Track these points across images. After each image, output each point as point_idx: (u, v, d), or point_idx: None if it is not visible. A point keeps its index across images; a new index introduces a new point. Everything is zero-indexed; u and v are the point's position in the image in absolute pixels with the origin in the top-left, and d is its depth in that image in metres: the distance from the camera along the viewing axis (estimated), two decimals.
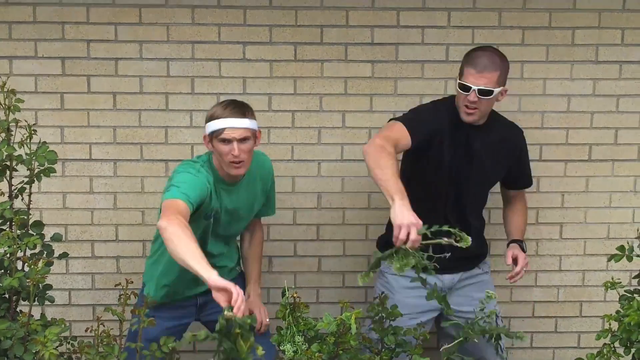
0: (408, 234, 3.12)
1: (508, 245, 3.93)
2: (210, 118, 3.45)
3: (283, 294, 3.50)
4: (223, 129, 3.39)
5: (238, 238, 3.90)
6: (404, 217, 3.19)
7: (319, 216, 4.38)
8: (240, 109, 3.45)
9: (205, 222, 3.52)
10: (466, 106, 3.60)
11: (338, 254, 4.43)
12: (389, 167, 3.35)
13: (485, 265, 3.99)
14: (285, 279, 4.28)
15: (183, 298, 3.70)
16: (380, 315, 3.46)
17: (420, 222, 3.20)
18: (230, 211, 3.59)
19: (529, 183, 4.05)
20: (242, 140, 3.40)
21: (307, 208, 4.37)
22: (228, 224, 3.63)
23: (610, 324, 3.30)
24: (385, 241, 3.79)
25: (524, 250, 3.87)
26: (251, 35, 4.20)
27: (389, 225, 3.79)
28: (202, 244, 3.39)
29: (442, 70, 4.27)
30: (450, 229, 3.13)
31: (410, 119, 3.68)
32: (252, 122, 3.45)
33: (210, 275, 2.85)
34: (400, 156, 3.82)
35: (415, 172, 3.77)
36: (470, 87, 3.53)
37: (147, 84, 4.21)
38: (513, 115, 4.24)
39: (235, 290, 2.80)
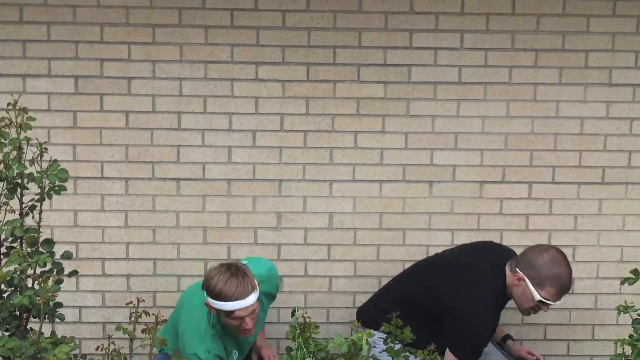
0: None
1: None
2: (214, 295, 3.46)
3: (293, 314, 3.48)
4: (233, 311, 3.46)
5: None
6: None
7: (329, 236, 4.37)
8: (243, 287, 3.44)
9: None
10: (533, 310, 3.79)
11: (349, 274, 4.41)
12: None
13: None
14: (296, 298, 4.29)
15: None
16: (392, 337, 3.43)
17: None
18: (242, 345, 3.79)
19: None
20: (252, 312, 3.49)
21: (318, 228, 4.36)
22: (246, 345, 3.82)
23: (623, 349, 3.27)
24: (374, 305, 3.99)
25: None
26: (264, 56, 4.21)
27: (377, 298, 4.02)
28: None
29: (455, 92, 4.26)
30: None
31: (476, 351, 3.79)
32: (255, 294, 3.49)
33: None
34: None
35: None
36: (549, 304, 3.73)
37: (160, 103, 4.22)
38: (526, 137, 4.26)
39: None
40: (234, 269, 3.48)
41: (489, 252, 3.94)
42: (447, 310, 3.73)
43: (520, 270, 3.71)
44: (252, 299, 3.45)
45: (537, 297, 3.67)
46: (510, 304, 3.86)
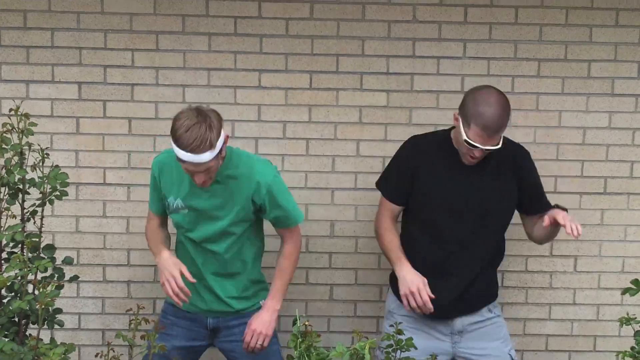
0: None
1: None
2: (172, 135, 3.36)
3: (294, 323, 3.48)
4: (184, 161, 3.36)
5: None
6: (411, 283, 3.63)
7: (331, 244, 4.37)
8: (201, 141, 3.27)
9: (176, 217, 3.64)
10: (470, 156, 3.58)
11: (350, 282, 4.40)
12: (388, 235, 3.81)
13: (495, 309, 3.89)
14: (297, 307, 4.27)
15: (191, 310, 3.67)
16: (393, 347, 3.43)
17: (424, 279, 3.63)
18: (194, 207, 3.58)
19: (548, 203, 3.84)
20: (204, 170, 3.38)
21: (319, 236, 4.36)
22: (196, 221, 3.60)
23: None
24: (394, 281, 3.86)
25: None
26: (267, 63, 4.22)
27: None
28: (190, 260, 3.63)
29: (457, 101, 4.21)
30: None
31: (383, 187, 3.88)
32: (211, 152, 3.32)
33: (161, 254, 3.32)
34: None
35: (410, 211, 3.83)
36: (478, 147, 3.50)
37: (163, 110, 4.22)
38: (528, 146, 4.22)
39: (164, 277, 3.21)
40: (202, 118, 3.31)
41: None
42: None
43: (458, 110, 3.58)
44: (205, 157, 3.29)
45: (464, 136, 3.48)
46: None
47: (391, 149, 4.24)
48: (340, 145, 4.30)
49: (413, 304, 3.63)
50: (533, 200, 3.83)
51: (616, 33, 4.26)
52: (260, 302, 3.76)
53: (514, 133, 4.27)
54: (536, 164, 4.09)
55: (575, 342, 4.51)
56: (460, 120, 3.52)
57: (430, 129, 4.24)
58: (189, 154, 3.30)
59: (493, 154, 3.61)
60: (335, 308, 4.42)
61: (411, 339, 3.43)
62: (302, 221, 3.74)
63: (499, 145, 3.52)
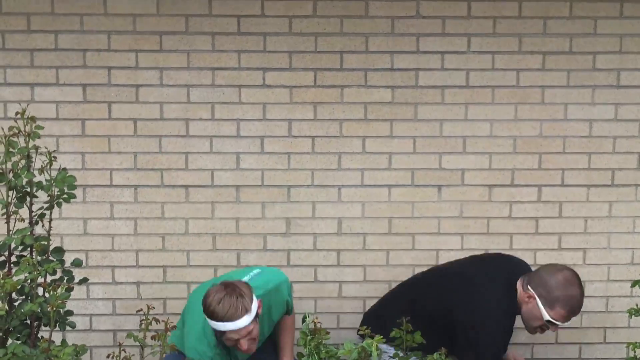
0: None
1: None
2: (207, 313, 3.44)
3: (304, 320, 3.49)
4: (224, 332, 3.44)
5: None
6: None
7: (339, 242, 4.37)
8: (235, 308, 3.39)
9: None
10: (540, 329, 3.75)
11: (358, 279, 4.40)
12: None
13: None
14: (306, 304, 4.29)
15: None
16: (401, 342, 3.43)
17: None
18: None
19: None
20: (246, 334, 3.44)
21: (327, 233, 4.36)
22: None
23: (635, 352, 3.27)
24: (376, 315, 3.93)
25: None
26: (271, 62, 4.22)
27: (382, 307, 3.99)
28: None
29: (462, 96, 4.26)
30: None
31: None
32: (251, 315, 3.43)
33: None
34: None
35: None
36: (557, 325, 3.69)
37: (168, 110, 4.23)
38: (534, 140, 4.24)
39: None
40: (230, 289, 3.43)
41: (500, 266, 3.89)
42: (457, 325, 3.69)
43: (532, 288, 3.67)
44: (243, 321, 3.40)
45: (546, 316, 3.64)
46: (518, 322, 3.82)
47: (397, 145, 4.26)
48: (346, 142, 4.29)
49: None
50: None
51: (621, 24, 4.25)
52: None
53: (520, 126, 4.28)
54: (543, 157, 4.11)
55: (585, 334, 4.51)
56: (539, 300, 3.64)
57: (436, 125, 4.26)
58: (227, 323, 3.40)
59: None
60: (344, 305, 4.42)
61: (419, 332, 3.44)
62: None
63: None
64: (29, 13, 4.13)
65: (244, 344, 3.45)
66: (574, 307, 3.64)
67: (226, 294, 3.41)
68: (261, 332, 3.63)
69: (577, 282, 3.66)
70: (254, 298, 3.47)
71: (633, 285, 3.41)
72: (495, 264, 3.92)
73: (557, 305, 3.61)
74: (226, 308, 3.38)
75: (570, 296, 3.62)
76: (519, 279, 3.75)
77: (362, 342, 3.42)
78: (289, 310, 3.84)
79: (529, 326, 3.76)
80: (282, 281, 3.79)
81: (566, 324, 3.72)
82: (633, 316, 3.38)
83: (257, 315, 3.47)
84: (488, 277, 3.79)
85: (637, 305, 3.38)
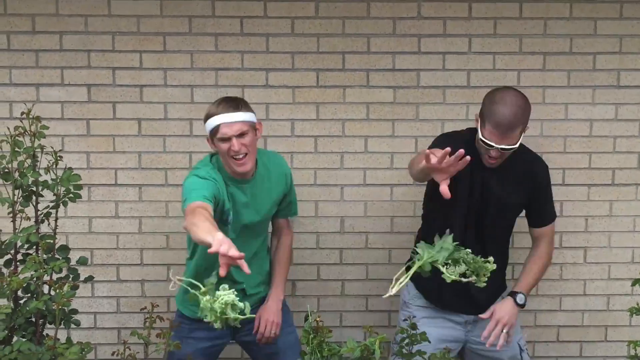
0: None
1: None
2: (206, 118, 3.48)
3: (306, 319, 3.51)
4: (218, 126, 3.41)
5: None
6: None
7: (342, 240, 4.40)
8: (233, 102, 3.47)
9: (224, 228, 3.45)
10: (488, 155, 3.50)
11: (361, 277, 4.44)
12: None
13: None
14: (309, 302, 4.31)
15: None
16: (407, 340, 3.45)
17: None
18: (245, 209, 3.59)
19: (549, 219, 3.82)
20: (240, 135, 3.41)
21: (330, 232, 4.39)
22: (246, 226, 3.61)
23: (636, 350, 3.29)
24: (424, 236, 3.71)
25: (518, 305, 3.67)
26: (274, 62, 4.25)
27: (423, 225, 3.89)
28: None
29: (464, 96, 4.29)
30: (471, 261, 3.20)
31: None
32: (248, 115, 3.47)
33: (215, 236, 2.79)
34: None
35: (433, 207, 3.77)
36: (493, 146, 3.43)
37: (172, 110, 4.26)
38: (535, 140, 4.26)
39: (218, 243, 2.74)
40: (231, 97, 3.58)
41: None
42: None
43: (478, 112, 3.53)
44: (238, 115, 3.42)
45: (480, 135, 3.44)
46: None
47: (399, 145, 4.29)
48: (348, 141, 4.32)
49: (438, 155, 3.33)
50: (534, 214, 3.80)
51: (621, 25, 4.28)
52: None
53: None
54: (544, 156, 4.12)
55: (586, 332, 4.54)
56: (479, 120, 3.49)
57: (437, 125, 4.28)
58: (223, 115, 3.42)
59: (512, 162, 3.59)
60: (347, 303, 4.45)
61: (424, 333, 3.46)
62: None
63: (515, 146, 3.44)
64: (33, 14, 4.17)
65: (236, 144, 3.40)
66: (498, 121, 3.37)
67: (225, 97, 3.58)
68: (259, 195, 3.62)
69: (509, 98, 3.42)
70: (255, 116, 3.53)
71: (634, 284, 3.43)
72: None
73: (487, 121, 3.42)
74: (222, 105, 3.46)
75: (495, 110, 3.38)
76: None
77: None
78: (291, 208, 3.86)
79: (480, 152, 3.53)
80: (285, 164, 3.83)
81: (500, 146, 3.41)
82: (634, 315, 3.38)
83: (254, 128, 3.49)
84: None
85: (637, 303, 3.38)
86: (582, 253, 4.45)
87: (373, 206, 4.37)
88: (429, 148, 3.56)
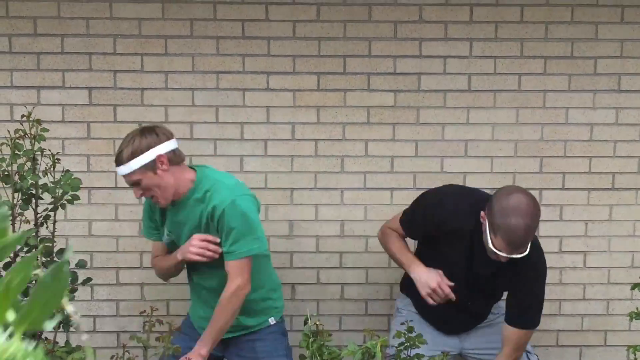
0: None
1: None
2: None
3: (305, 322, 3.50)
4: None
5: None
6: (429, 280, 3.55)
7: (341, 244, 4.40)
8: (119, 152, 3.37)
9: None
10: (494, 255, 3.38)
11: (361, 281, 4.44)
12: (396, 242, 3.75)
13: (498, 309, 3.87)
14: (308, 306, 4.30)
15: (203, 326, 3.61)
16: (405, 344, 3.46)
17: (438, 271, 3.57)
18: (171, 233, 3.60)
19: (524, 323, 3.59)
20: (135, 184, 3.40)
21: (330, 236, 4.39)
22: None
23: (635, 355, 3.29)
24: (407, 285, 3.83)
25: None
26: (275, 65, 4.25)
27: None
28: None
29: (465, 100, 4.29)
30: None
31: (405, 221, 3.74)
32: (131, 165, 3.33)
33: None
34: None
35: (425, 258, 3.71)
36: (502, 256, 3.32)
37: (173, 114, 4.26)
38: (536, 144, 4.26)
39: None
40: (139, 131, 3.43)
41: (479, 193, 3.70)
42: None
43: (486, 211, 3.35)
44: (121, 170, 3.37)
45: (489, 243, 3.31)
46: None
47: (399, 149, 4.28)
48: (349, 145, 4.33)
49: (438, 299, 3.57)
50: (512, 306, 3.62)
51: (622, 29, 4.28)
52: (270, 320, 3.71)
53: (521, 130, 4.30)
54: (544, 161, 4.13)
55: (586, 337, 4.54)
56: (487, 224, 3.33)
57: (438, 128, 4.28)
58: (117, 166, 3.42)
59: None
60: (346, 307, 4.45)
61: (421, 335, 3.46)
62: (252, 254, 3.45)
63: (526, 253, 3.32)
64: (35, 17, 4.17)
65: (136, 192, 3.43)
66: (513, 239, 3.24)
67: (131, 132, 3.43)
68: (176, 223, 3.52)
69: (526, 209, 3.24)
70: (150, 152, 3.35)
71: (633, 288, 3.43)
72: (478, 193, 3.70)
73: (499, 233, 3.25)
74: (119, 148, 3.40)
75: (509, 225, 3.21)
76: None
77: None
78: (231, 251, 3.40)
79: (486, 248, 3.39)
80: (224, 200, 3.39)
81: (514, 256, 3.33)
82: (633, 319, 3.39)
83: (150, 169, 3.35)
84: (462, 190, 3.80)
85: (637, 308, 3.39)
86: (581, 257, 4.45)
87: (373, 210, 4.37)
88: (405, 220, 3.73)
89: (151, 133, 3.39)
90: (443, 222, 3.53)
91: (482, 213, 3.38)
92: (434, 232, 3.60)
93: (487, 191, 4.20)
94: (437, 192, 3.73)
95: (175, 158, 3.44)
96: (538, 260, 3.54)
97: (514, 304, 3.60)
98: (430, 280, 3.57)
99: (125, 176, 3.39)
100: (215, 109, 4.27)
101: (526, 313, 3.60)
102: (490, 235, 3.31)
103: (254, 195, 3.57)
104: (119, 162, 3.37)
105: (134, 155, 3.34)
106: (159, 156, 3.37)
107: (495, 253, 3.33)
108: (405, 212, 3.76)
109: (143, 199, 3.59)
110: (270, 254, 3.77)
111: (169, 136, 3.45)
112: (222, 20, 4.22)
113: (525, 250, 3.33)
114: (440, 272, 3.60)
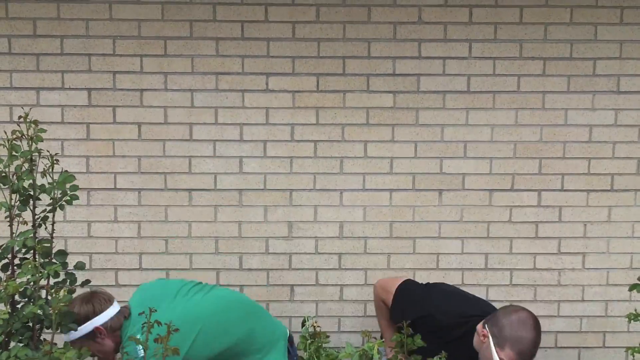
0: None
1: None
2: None
3: (303, 324, 3.50)
4: None
5: None
6: None
7: (340, 245, 4.40)
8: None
9: None
10: None
11: (360, 282, 4.43)
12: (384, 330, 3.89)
13: None
14: (307, 307, 4.31)
15: None
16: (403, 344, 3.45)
17: None
18: None
19: None
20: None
21: (328, 237, 4.39)
22: None
23: (634, 356, 3.28)
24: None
25: None
26: (274, 67, 4.25)
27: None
28: None
29: (464, 101, 4.29)
30: None
31: (396, 309, 3.83)
32: (67, 337, 3.40)
33: None
34: None
35: None
36: None
37: (172, 115, 4.26)
38: (535, 145, 4.26)
39: None
40: (81, 299, 3.50)
41: (477, 304, 3.84)
42: None
43: (488, 327, 3.49)
44: (63, 337, 3.41)
45: (496, 357, 3.42)
46: None
47: (398, 150, 4.28)
48: (348, 146, 4.32)
49: None
50: None
51: (621, 31, 4.28)
52: None
53: (521, 131, 4.30)
54: (543, 162, 4.13)
55: (585, 338, 4.53)
56: (492, 339, 3.45)
57: (437, 129, 4.28)
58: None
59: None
60: (345, 308, 4.45)
61: (419, 336, 3.46)
62: None
63: None
64: (35, 18, 4.18)
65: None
66: (522, 348, 3.40)
67: (75, 299, 3.47)
68: None
69: (531, 323, 3.45)
70: (89, 324, 3.46)
71: (631, 289, 3.42)
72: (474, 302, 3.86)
73: (507, 346, 3.40)
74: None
75: (520, 337, 3.40)
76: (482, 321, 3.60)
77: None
78: None
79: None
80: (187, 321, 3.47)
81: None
82: (632, 321, 3.38)
83: (90, 338, 3.46)
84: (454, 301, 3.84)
85: (635, 309, 3.38)
86: (580, 259, 4.44)
87: (372, 211, 4.37)
88: (396, 309, 3.80)
89: (88, 303, 3.50)
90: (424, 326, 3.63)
91: (480, 328, 3.52)
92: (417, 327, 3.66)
93: (487, 192, 4.21)
94: (425, 305, 3.80)
95: (114, 324, 3.53)
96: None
97: None
98: None
99: (70, 342, 3.42)
100: (215, 110, 4.27)
101: None
102: (495, 350, 3.43)
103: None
104: (64, 330, 3.36)
105: (74, 327, 3.35)
106: (96, 328, 3.49)
107: None
108: (394, 310, 3.86)
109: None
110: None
111: (107, 303, 3.55)
112: (222, 22, 4.22)
113: None
114: None
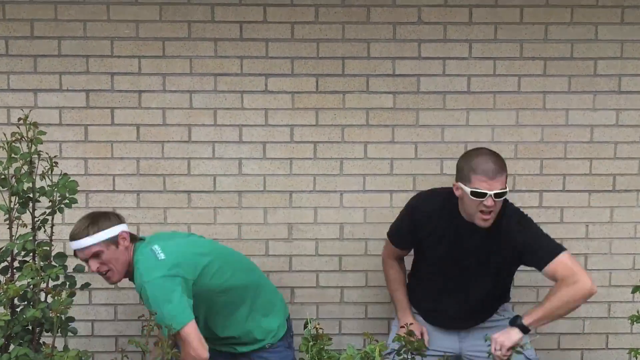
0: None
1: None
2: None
3: (305, 326, 3.48)
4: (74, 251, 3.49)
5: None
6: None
7: (341, 247, 4.38)
8: (78, 228, 3.47)
9: None
10: (482, 211, 3.50)
11: (360, 284, 4.41)
12: (392, 277, 3.96)
13: (505, 312, 3.89)
14: (308, 310, 4.29)
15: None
16: (404, 348, 3.44)
17: (422, 328, 3.78)
18: None
19: (547, 257, 3.58)
20: (94, 256, 3.45)
21: (329, 239, 4.37)
22: None
23: (637, 358, 3.27)
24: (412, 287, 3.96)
25: (523, 331, 3.57)
26: (273, 67, 4.23)
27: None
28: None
29: (464, 101, 4.27)
30: None
31: (391, 235, 3.93)
32: (95, 237, 3.45)
33: None
34: None
35: (419, 261, 3.92)
36: (487, 193, 3.44)
37: (170, 116, 4.24)
38: (536, 145, 4.25)
39: None
40: (94, 213, 3.57)
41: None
42: None
43: (456, 180, 3.58)
44: (82, 242, 3.43)
45: (468, 190, 3.45)
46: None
47: (399, 151, 4.27)
48: (348, 147, 4.30)
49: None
50: (532, 261, 3.66)
51: (622, 30, 4.26)
52: (266, 345, 3.77)
53: (521, 132, 4.28)
54: (544, 162, 4.11)
55: (587, 340, 4.51)
56: (461, 184, 3.52)
57: (438, 130, 4.27)
58: (71, 241, 3.47)
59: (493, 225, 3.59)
60: (346, 310, 4.43)
61: (421, 341, 3.45)
62: (178, 328, 3.34)
63: (506, 190, 3.50)
64: (32, 19, 4.15)
65: (92, 265, 3.47)
66: (480, 164, 3.46)
67: (87, 214, 3.55)
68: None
69: (482, 150, 3.57)
70: (115, 228, 3.51)
71: (634, 292, 3.41)
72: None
73: (471, 175, 3.46)
74: (75, 226, 3.48)
75: (472, 160, 3.49)
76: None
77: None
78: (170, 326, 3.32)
79: (473, 215, 3.55)
80: (141, 275, 3.46)
81: (493, 192, 3.45)
82: (634, 322, 3.37)
83: (113, 242, 3.49)
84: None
85: (638, 311, 3.38)
86: (582, 260, 4.42)
87: (372, 212, 4.34)
88: (404, 217, 3.85)
89: (110, 215, 3.60)
90: (421, 227, 3.74)
91: (454, 185, 3.59)
92: (419, 237, 3.77)
93: None
94: (408, 205, 3.87)
95: (133, 237, 3.61)
96: (512, 216, 3.65)
97: (528, 258, 3.63)
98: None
99: (85, 248, 3.44)
100: (214, 112, 4.25)
101: (541, 250, 3.60)
102: (467, 185, 3.48)
103: (175, 266, 3.47)
104: (84, 234, 3.44)
105: (100, 228, 3.47)
106: (123, 232, 3.54)
107: (479, 197, 3.45)
108: (390, 228, 3.95)
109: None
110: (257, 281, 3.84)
111: (123, 220, 3.63)
112: (220, 22, 4.20)
113: (504, 185, 3.49)
114: (425, 329, 3.81)
